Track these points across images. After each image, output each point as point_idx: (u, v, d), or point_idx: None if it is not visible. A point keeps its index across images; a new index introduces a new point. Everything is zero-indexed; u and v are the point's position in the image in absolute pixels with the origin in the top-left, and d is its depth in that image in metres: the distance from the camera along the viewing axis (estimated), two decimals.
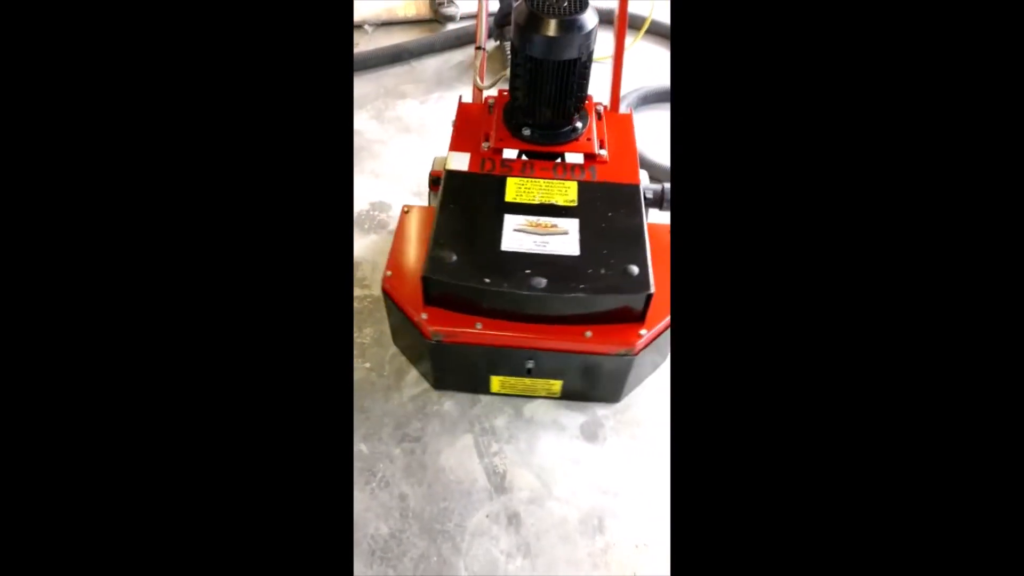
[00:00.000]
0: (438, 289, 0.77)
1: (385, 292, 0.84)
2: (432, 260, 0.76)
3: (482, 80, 0.98)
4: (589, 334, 0.77)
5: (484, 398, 0.92)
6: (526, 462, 0.86)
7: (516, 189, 0.85)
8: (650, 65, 1.55)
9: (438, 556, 0.78)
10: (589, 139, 0.91)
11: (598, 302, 0.76)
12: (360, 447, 0.87)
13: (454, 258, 0.77)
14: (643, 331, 0.78)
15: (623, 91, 1.36)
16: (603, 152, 0.90)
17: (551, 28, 0.77)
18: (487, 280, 0.75)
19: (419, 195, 1.22)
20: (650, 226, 0.83)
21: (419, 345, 0.85)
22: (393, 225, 1.16)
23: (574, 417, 0.91)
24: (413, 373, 0.95)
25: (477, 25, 1.01)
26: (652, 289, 0.75)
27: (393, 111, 1.42)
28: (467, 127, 0.93)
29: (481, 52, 0.99)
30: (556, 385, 0.87)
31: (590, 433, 0.90)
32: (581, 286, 0.75)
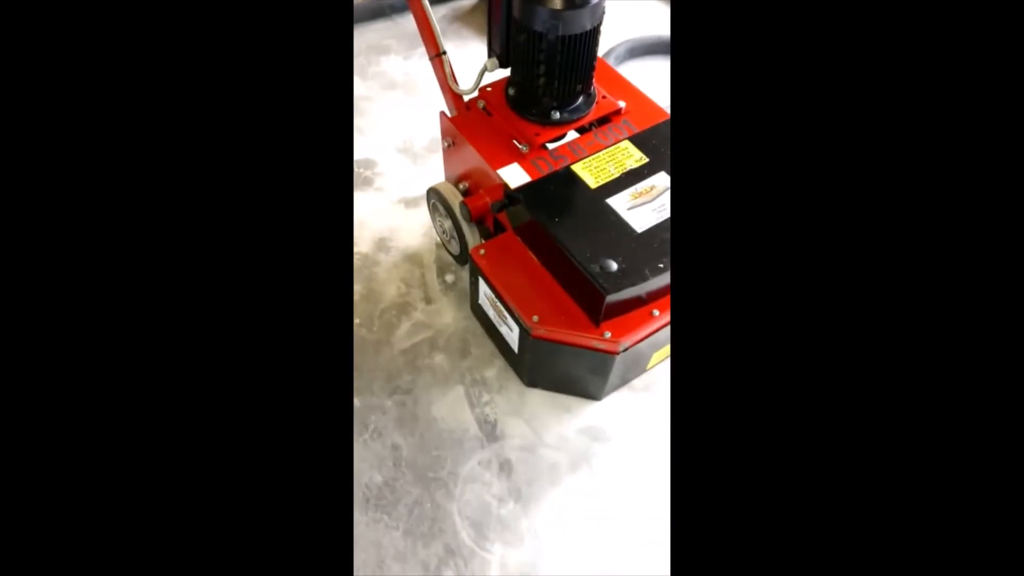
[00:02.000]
0: (613, 303, 0.73)
1: (544, 340, 0.78)
2: (601, 278, 0.72)
3: (457, 84, 0.91)
4: None
5: (475, 351, 0.93)
6: (517, 411, 0.88)
7: (590, 173, 0.82)
8: (633, 21, 1.52)
9: (432, 502, 0.80)
10: (605, 97, 0.90)
11: None
12: (353, 400, 0.88)
13: (613, 265, 0.73)
14: None
15: (609, 46, 1.34)
16: (621, 103, 0.89)
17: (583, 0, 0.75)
18: (661, 265, 0.73)
19: (405, 152, 1.21)
20: None
21: (590, 366, 0.81)
22: (379, 182, 1.15)
23: None
24: (403, 328, 0.96)
25: (425, 33, 0.90)
26: None
27: (377, 67, 1.39)
28: (482, 139, 0.88)
29: (443, 57, 0.91)
30: None
31: None
32: None
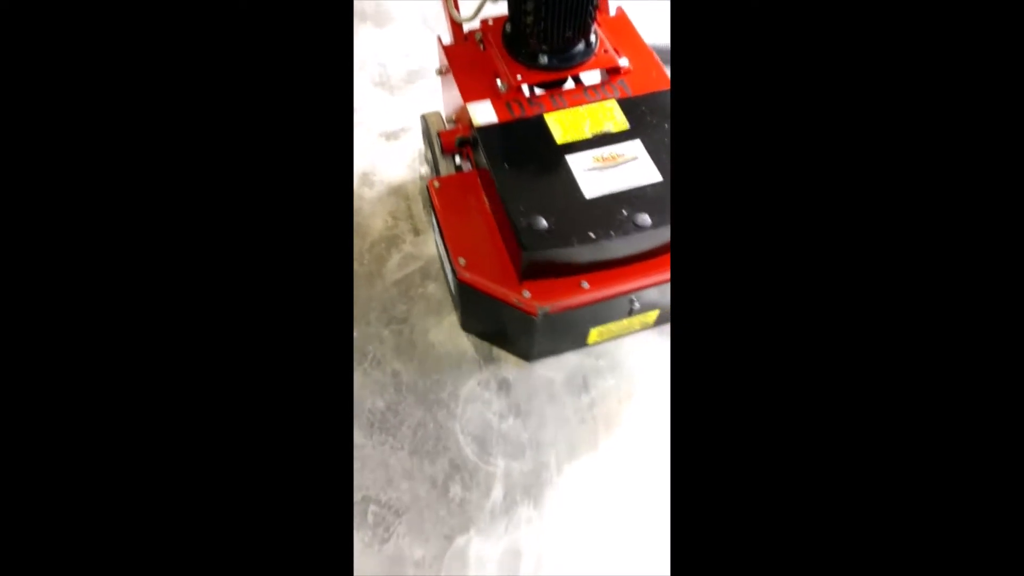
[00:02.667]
0: (540, 261, 0.71)
1: (466, 284, 0.75)
2: (526, 234, 0.69)
3: (458, 10, 0.87)
4: None
5: None
6: None
7: (561, 126, 0.78)
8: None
9: (434, 422, 0.83)
10: (606, 51, 0.83)
11: None
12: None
13: (544, 223, 0.69)
14: None
15: None
16: (624, 62, 0.84)
17: None
18: (592, 235, 0.69)
19: (381, 85, 1.18)
20: None
21: (515, 324, 0.78)
22: (358, 117, 1.13)
23: None
24: (394, 260, 0.96)
25: None
26: None
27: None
28: (466, 71, 0.84)
29: None
30: (652, 316, 0.83)
31: None
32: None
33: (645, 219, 0.70)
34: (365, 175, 1.05)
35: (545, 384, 0.86)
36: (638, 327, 0.85)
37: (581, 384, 0.86)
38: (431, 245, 0.98)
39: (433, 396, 0.84)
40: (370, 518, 0.76)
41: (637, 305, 0.77)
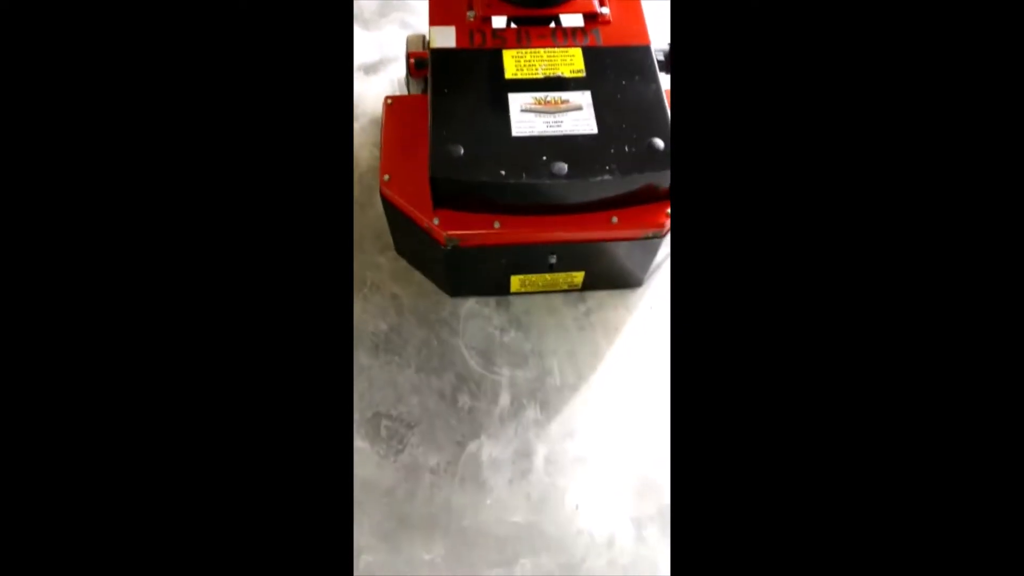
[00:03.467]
0: (449, 189, 0.70)
1: (385, 199, 0.76)
2: (438, 157, 0.69)
3: None
4: (615, 219, 0.73)
5: None
6: None
7: (515, 63, 0.76)
8: None
9: (438, 340, 0.84)
10: None
11: (624, 183, 0.70)
12: None
13: (461, 151, 0.69)
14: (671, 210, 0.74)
15: None
16: (605, 10, 0.82)
17: None
18: (503, 172, 0.68)
19: (356, 19, 1.16)
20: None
21: (431, 253, 0.78)
22: None
23: None
24: None
25: None
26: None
27: None
28: None
29: None
30: (578, 277, 0.83)
31: None
32: (606, 168, 0.69)
33: (562, 167, 0.68)
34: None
35: (543, 299, 0.88)
36: (564, 286, 0.86)
37: (577, 296, 0.88)
38: None
39: (434, 316, 0.86)
40: (383, 432, 0.78)
41: (554, 259, 0.77)
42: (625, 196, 0.72)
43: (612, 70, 0.77)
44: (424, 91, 0.86)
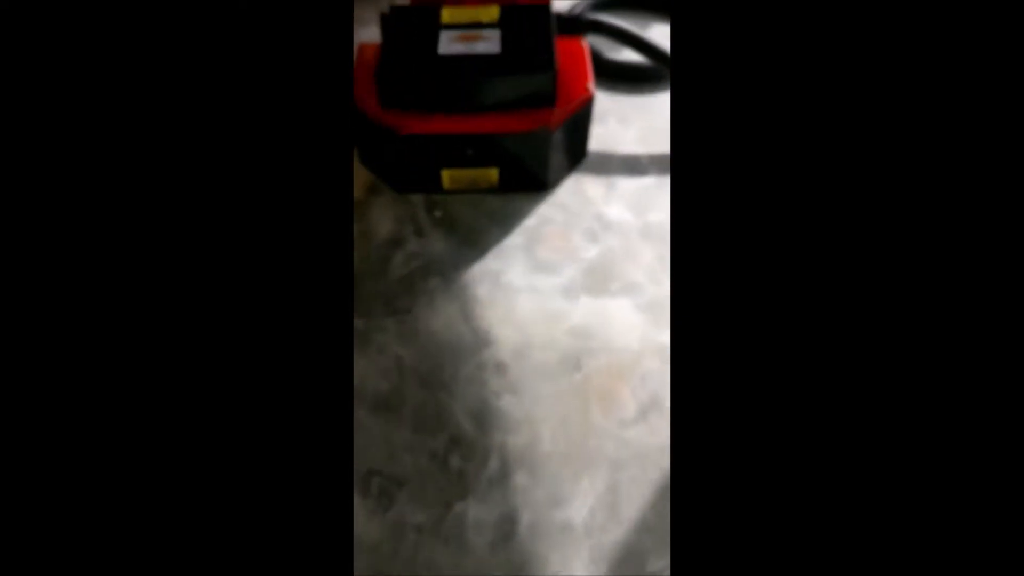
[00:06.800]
0: (391, 89, 0.97)
1: (357, 106, 1.01)
2: (383, 65, 0.96)
3: None
4: (511, 118, 1.00)
5: (466, 275, 1.01)
6: (508, 320, 0.95)
7: (449, 15, 1.04)
8: None
9: (435, 402, 0.88)
10: None
11: (516, 84, 0.98)
12: (356, 323, 0.96)
13: (394, 62, 0.97)
14: (556, 109, 1.00)
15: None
16: None
17: None
18: (429, 72, 0.96)
19: None
20: (566, 41, 1.09)
21: (382, 143, 1.03)
22: None
23: (549, 280, 1.00)
24: (399, 258, 1.03)
25: None
26: (555, 68, 0.98)
27: (356, 38, 1.47)
28: None
29: None
30: (493, 174, 1.07)
31: (565, 292, 0.99)
32: (501, 68, 0.97)
33: (476, 70, 0.96)
34: (373, 186, 1.14)
35: (540, 365, 0.91)
36: (484, 185, 1.09)
37: (573, 363, 0.91)
38: (433, 245, 1.05)
39: (434, 378, 0.90)
40: (374, 488, 0.80)
41: (471, 152, 1.03)
42: (520, 99, 0.99)
43: (518, 19, 1.05)
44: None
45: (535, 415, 0.86)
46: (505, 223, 1.09)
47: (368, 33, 1.43)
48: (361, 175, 1.15)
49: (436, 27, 1.05)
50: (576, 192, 1.13)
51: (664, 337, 0.93)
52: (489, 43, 1.03)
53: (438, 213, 1.10)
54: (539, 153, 1.07)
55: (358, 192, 1.13)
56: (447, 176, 1.08)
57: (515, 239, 1.06)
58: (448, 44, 1.01)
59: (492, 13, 1.08)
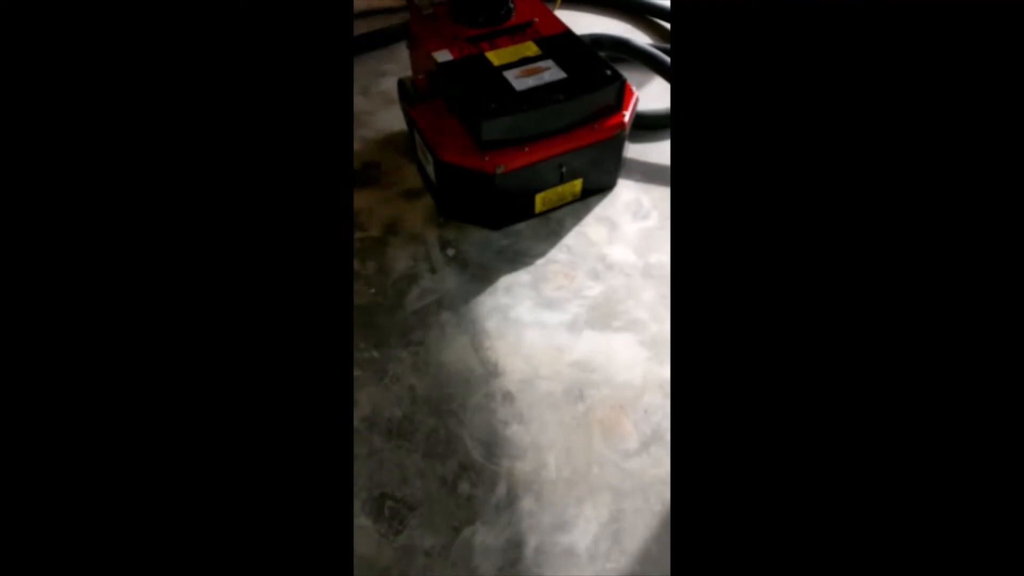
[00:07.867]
0: (490, 133, 1.04)
1: (448, 162, 1.08)
2: (481, 111, 1.03)
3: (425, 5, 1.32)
4: (595, 128, 1.13)
5: (476, 310, 1.06)
6: (516, 352, 1.00)
7: (497, 57, 1.16)
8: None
9: (445, 429, 0.92)
10: (522, 12, 1.29)
11: (592, 100, 1.10)
12: (373, 353, 1.01)
13: (493, 106, 1.04)
14: (625, 112, 1.15)
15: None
16: (535, 19, 1.27)
17: None
18: (524, 107, 1.05)
19: (404, 154, 1.36)
20: None
21: (482, 187, 1.10)
22: (384, 179, 1.30)
23: (555, 316, 1.05)
24: (413, 293, 1.09)
25: None
26: (623, 79, 1.12)
27: (377, 87, 1.56)
28: (428, 36, 1.22)
29: None
30: (578, 185, 1.20)
31: (569, 326, 1.04)
32: (581, 92, 1.09)
33: (559, 96, 1.07)
34: (390, 225, 1.21)
35: (545, 395, 0.95)
36: (569, 198, 1.22)
37: (578, 395, 0.95)
38: (446, 281, 1.11)
39: (445, 407, 0.94)
40: (386, 512, 0.84)
41: (565, 169, 1.14)
42: (594, 112, 1.12)
43: (556, 46, 1.18)
44: (432, 100, 1.19)
45: (541, 443, 0.90)
46: (514, 262, 1.15)
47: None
48: (380, 215, 1.22)
49: (495, 70, 1.12)
50: (580, 234, 1.20)
51: (666, 372, 0.98)
52: (552, 72, 1.11)
53: (451, 252, 1.16)
54: (616, 154, 1.20)
55: (376, 231, 1.20)
56: (540, 199, 1.20)
57: (523, 277, 1.12)
58: (518, 81, 1.09)
59: (532, 48, 1.18)
